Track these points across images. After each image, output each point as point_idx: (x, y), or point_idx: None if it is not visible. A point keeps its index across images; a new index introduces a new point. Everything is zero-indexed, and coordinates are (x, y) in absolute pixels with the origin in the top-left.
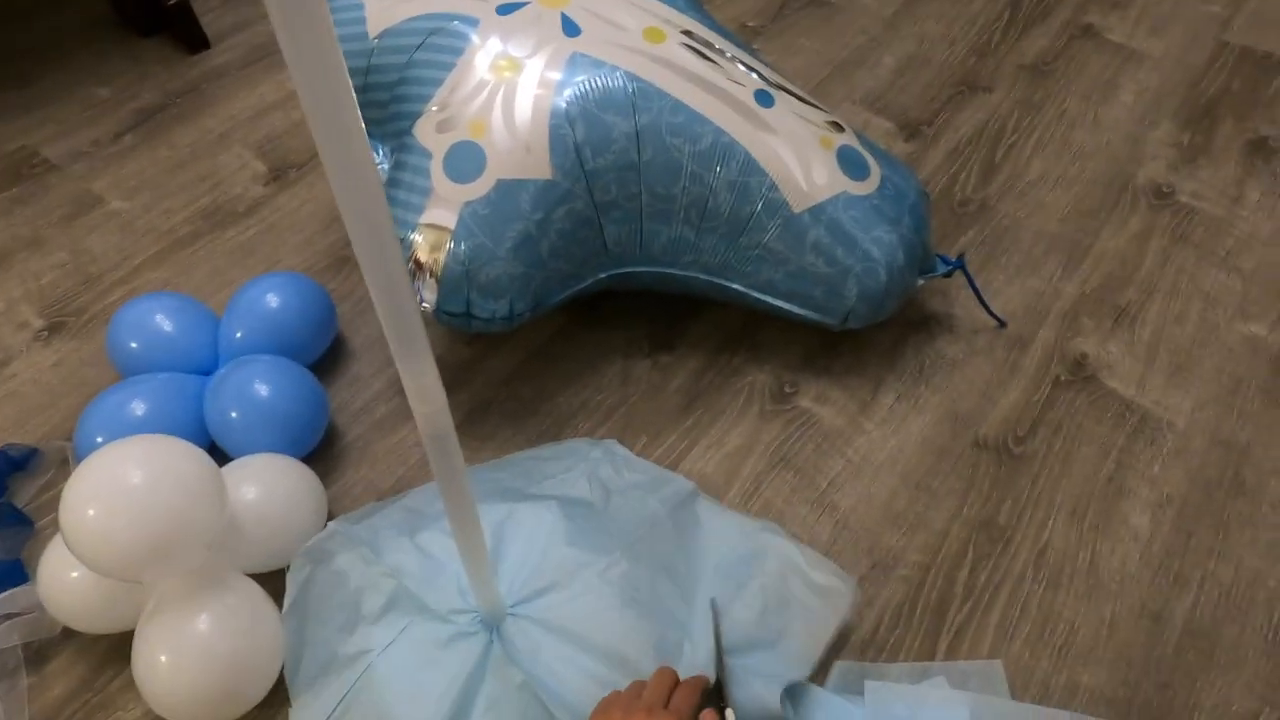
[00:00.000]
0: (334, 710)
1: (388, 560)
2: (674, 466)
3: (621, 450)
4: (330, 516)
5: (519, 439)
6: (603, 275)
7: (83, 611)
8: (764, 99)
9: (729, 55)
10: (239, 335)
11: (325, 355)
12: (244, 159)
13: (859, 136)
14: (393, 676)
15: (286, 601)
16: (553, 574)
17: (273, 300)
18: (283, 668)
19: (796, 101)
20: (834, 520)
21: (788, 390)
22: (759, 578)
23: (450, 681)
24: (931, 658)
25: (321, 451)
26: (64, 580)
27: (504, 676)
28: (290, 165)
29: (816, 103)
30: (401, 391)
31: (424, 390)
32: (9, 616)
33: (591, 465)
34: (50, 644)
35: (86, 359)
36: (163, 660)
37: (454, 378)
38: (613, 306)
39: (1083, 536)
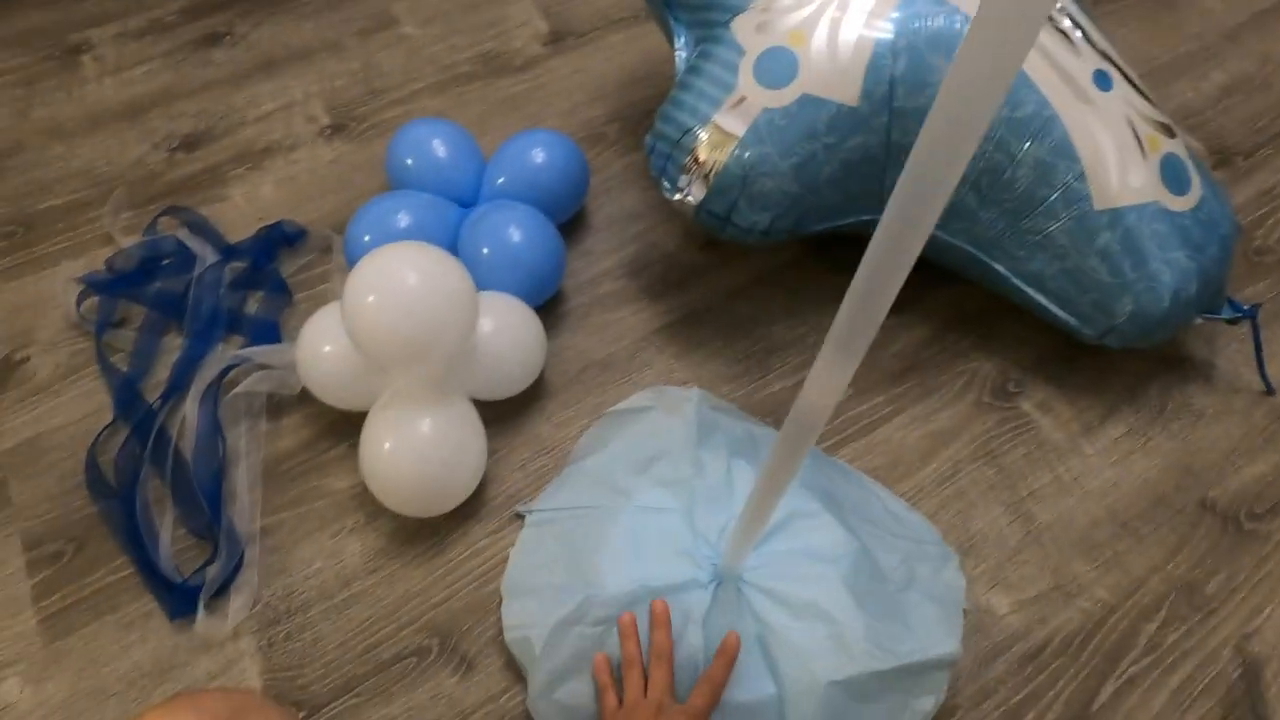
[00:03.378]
0: (569, 509)
1: (702, 454)
2: (873, 429)
3: (957, 574)
4: (543, 372)
5: (727, 352)
6: (866, 218)
7: (325, 382)
8: (1102, 81)
9: (1075, 23)
10: (501, 181)
11: (568, 222)
12: (530, 15)
13: (1189, 148)
14: (623, 533)
15: (616, 408)
16: (800, 594)
17: (539, 155)
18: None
19: (1133, 92)
20: (1026, 529)
21: (1012, 389)
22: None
23: (651, 579)
24: (1094, 697)
25: (546, 308)
26: (318, 352)
27: (685, 617)
28: (570, 32)
29: (1153, 97)
30: (629, 274)
31: (830, 387)
32: (264, 368)
33: (918, 551)
34: (288, 401)
35: (359, 164)
36: (386, 447)
37: (681, 278)
38: (852, 254)
39: None
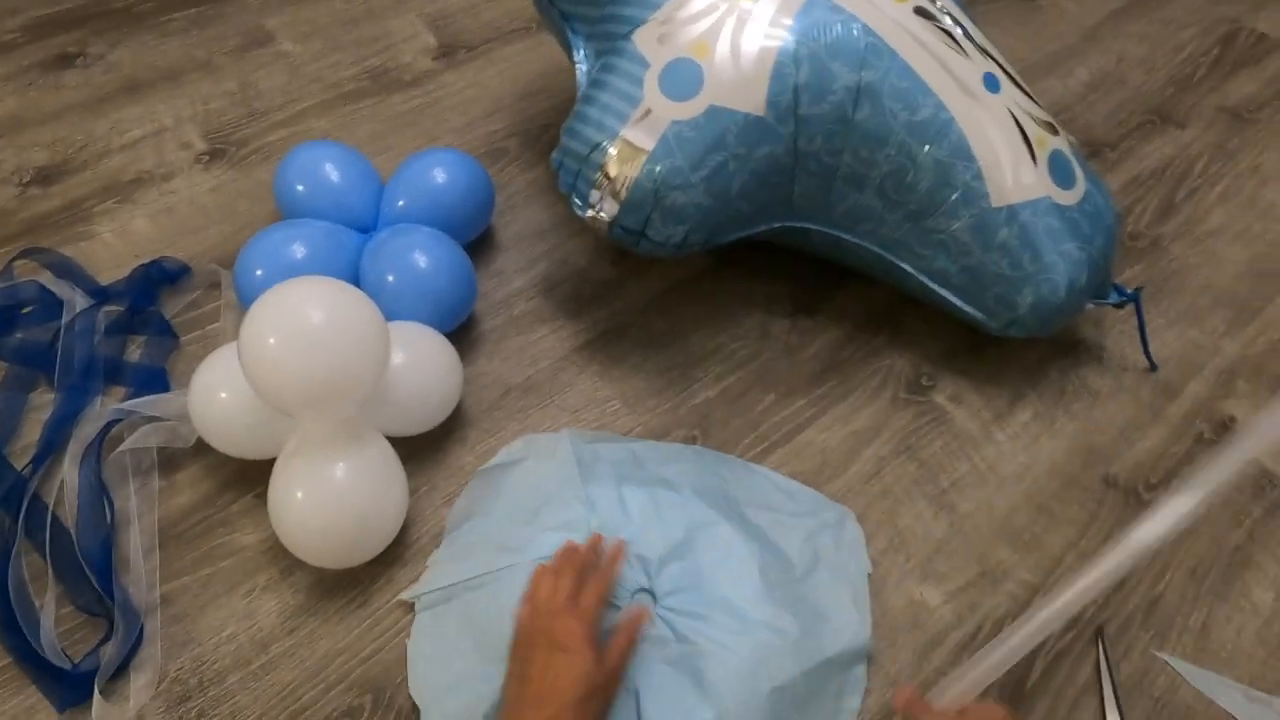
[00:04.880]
0: (462, 581)
1: (590, 491)
2: (798, 432)
3: (855, 529)
4: (460, 400)
5: (648, 366)
6: (776, 225)
7: (224, 432)
8: (991, 84)
9: (964, 30)
10: (401, 204)
11: (474, 242)
12: (416, 29)
13: (1070, 144)
14: (520, 590)
15: (486, 465)
16: (713, 611)
17: (439, 175)
18: (401, 516)
19: (1019, 93)
20: (950, 521)
21: (925, 382)
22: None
23: None
24: (1026, 676)
25: (459, 334)
26: (213, 399)
27: None
28: (461, 45)
29: (1036, 98)
30: (542, 292)
31: None
32: (152, 419)
33: (817, 525)
34: (182, 455)
35: (242, 191)
36: (298, 496)
37: (595, 293)
38: (763, 259)
39: (1199, 597)
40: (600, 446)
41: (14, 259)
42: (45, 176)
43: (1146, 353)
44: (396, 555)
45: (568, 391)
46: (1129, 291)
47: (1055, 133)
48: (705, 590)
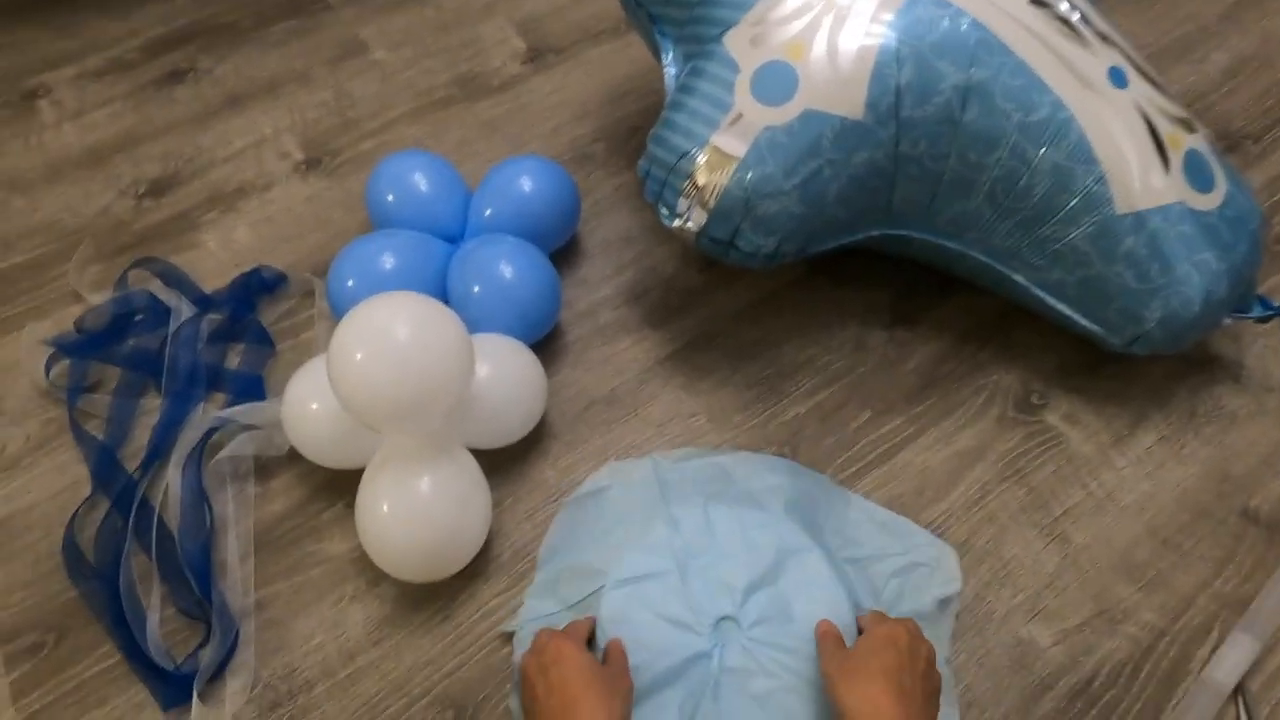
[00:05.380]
0: (556, 612)
1: (675, 511)
2: (895, 452)
3: (954, 563)
4: (543, 413)
5: (736, 379)
6: (875, 233)
7: (314, 442)
8: (1118, 78)
9: (1083, 16)
10: (488, 213)
11: (561, 249)
12: (505, 33)
13: (1209, 141)
14: (615, 621)
15: (577, 492)
16: (801, 644)
17: (526, 184)
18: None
19: (1150, 86)
20: (1062, 553)
21: (1035, 401)
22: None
23: (650, 656)
24: None
25: (543, 343)
26: (304, 409)
27: (696, 697)
28: (549, 49)
29: (1169, 91)
30: (628, 301)
31: None
32: (248, 428)
33: (912, 559)
34: (276, 461)
35: (337, 200)
36: (384, 509)
37: (682, 302)
38: (859, 266)
39: None
40: (686, 464)
41: (129, 269)
42: (158, 188)
43: None
44: (480, 570)
45: (652, 404)
46: (1276, 304)
47: (1191, 130)
48: (794, 621)
